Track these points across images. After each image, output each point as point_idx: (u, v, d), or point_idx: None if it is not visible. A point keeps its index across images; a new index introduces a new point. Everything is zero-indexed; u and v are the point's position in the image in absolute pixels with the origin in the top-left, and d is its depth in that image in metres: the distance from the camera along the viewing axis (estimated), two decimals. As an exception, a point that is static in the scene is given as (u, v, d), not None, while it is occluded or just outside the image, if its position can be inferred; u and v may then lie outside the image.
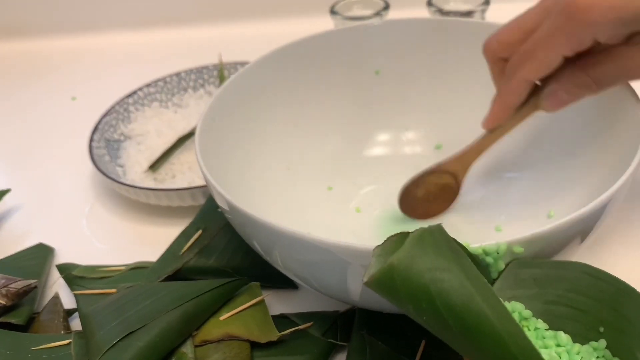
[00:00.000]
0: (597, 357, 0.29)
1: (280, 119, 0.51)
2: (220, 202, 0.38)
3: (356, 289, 0.32)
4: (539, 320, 0.30)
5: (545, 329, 0.30)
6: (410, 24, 0.51)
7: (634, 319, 0.29)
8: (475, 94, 0.50)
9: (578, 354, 0.29)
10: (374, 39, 0.52)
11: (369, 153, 0.54)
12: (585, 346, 0.29)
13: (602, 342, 0.29)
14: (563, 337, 0.29)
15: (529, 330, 0.30)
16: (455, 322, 0.25)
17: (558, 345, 0.29)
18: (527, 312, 0.30)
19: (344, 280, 0.32)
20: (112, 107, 0.62)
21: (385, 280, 0.24)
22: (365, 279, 0.24)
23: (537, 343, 0.29)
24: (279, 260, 0.35)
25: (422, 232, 0.25)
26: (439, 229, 0.26)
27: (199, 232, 0.48)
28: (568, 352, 0.29)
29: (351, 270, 0.31)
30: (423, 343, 0.38)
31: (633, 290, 0.29)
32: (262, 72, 0.49)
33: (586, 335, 0.30)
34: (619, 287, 0.30)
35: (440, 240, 0.26)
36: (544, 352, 0.28)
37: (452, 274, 0.25)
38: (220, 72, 0.67)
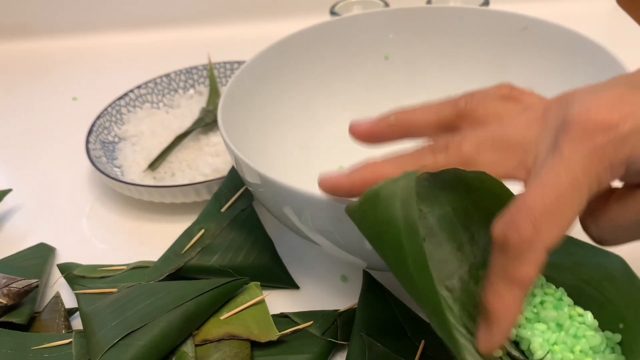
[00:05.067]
0: (607, 347, 0.29)
1: (294, 100, 0.53)
2: (251, 178, 0.40)
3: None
4: (564, 292, 0.30)
5: (569, 305, 0.30)
6: (417, 11, 0.53)
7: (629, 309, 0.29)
8: (480, 79, 0.52)
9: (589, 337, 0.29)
10: (384, 26, 0.54)
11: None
12: (604, 333, 0.30)
13: (618, 337, 0.29)
14: (589, 317, 0.29)
15: (548, 295, 0.30)
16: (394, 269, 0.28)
17: (582, 323, 0.29)
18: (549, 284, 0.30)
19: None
20: (105, 110, 0.63)
21: (354, 214, 0.29)
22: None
23: (551, 312, 0.29)
24: (310, 220, 0.38)
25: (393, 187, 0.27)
26: (409, 182, 0.27)
27: (202, 231, 0.48)
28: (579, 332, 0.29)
29: None
30: (422, 345, 0.38)
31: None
32: (277, 56, 0.51)
33: (605, 324, 0.30)
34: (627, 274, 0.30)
35: (406, 195, 0.27)
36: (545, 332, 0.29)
37: (393, 227, 0.27)
38: (210, 72, 0.67)
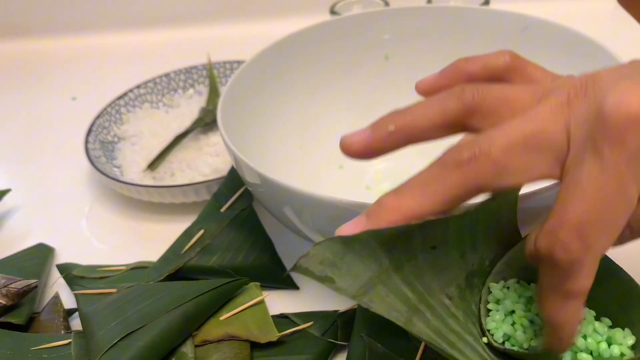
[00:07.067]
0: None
1: (294, 100, 0.53)
2: (251, 178, 0.40)
3: None
4: None
5: None
6: (417, 11, 0.53)
7: (636, 323, 0.29)
8: None
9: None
10: (384, 26, 0.54)
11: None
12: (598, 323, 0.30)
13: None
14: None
15: None
16: None
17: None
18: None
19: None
20: (104, 109, 0.63)
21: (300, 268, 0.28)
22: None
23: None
24: (310, 220, 0.38)
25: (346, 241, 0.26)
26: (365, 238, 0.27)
27: (201, 231, 0.48)
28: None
29: None
30: (422, 345, 0.38)
31: (638, 290, 0.30)
32: (277, 56, 0.51)
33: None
34: (632, 288, 0.30)
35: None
36: None
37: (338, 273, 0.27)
38: (210, 72, 0.67)
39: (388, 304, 0.27)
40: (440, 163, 0.26)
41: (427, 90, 0.33)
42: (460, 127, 0.28)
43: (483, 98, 0.27)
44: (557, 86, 0.27)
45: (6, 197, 0.57)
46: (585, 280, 0.25)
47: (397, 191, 0.27)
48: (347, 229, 0.27)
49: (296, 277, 0.46)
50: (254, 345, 0.40)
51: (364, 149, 0.30)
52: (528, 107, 0.27)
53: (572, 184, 0.24)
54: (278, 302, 0.44)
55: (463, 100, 0.28)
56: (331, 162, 0.54)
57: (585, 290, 0.26)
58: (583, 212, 0.24)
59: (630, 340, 0.29)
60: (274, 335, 0.40)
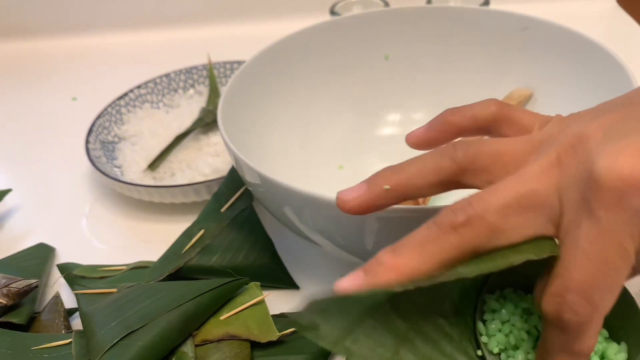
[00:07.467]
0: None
1: (294, 100, 0.53)
2: (251, 178, 0.40)
3: (370, 237, 0.36)
4: None
5: None
6: (417, 11, 0.53)
7: (631, 335, 0.29)
8: (480, 79, 0.53)
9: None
10: (384, 26, 0.54)
11: (379, 133, 0.56)
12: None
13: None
14: None
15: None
16: None
17: None
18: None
19: (361, 230, 0.36)
20: (105, 110, 0.63)
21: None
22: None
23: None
24: (310, 220, 0.38)
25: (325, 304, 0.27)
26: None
27: (201, 231, 0.48)
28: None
29: (368, 221, 0.35)
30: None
31: (634, 304, 0.30)
32: (277, 56, 0.51)
33: None
34: (625, 298, 0.30)
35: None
36: None
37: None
38: (210, 72, 0.67)
39: (374, 340, 0.26)
40: (437, 225, 0.27)
41: (417, 143, 0.34)
42: (454, 184, 0.29)
43: (475, 157, 0.28)
44: (546, 138, 0.28)
45: (7, 197, 0.58)
46: (592, 339, 0.26)
47: (394, 249, 0.27)
48: (346, 284, 0.27)
49: (296, 277, 0.46)
50: (254, 345, 0.40)
51: (360, 206, 0.31)
52: (519, 160, 0.27)
53: (572, 247, 0.25)
54: (278, 302, 0.44)
55: (456, 160, 0.28)
56: (331, 162, 0.54)
57: (592, 349, 0.26)
58: (588, 275, 0.24)
59: (622, 356, 0.29)
60: (274, 334, 0.40)
